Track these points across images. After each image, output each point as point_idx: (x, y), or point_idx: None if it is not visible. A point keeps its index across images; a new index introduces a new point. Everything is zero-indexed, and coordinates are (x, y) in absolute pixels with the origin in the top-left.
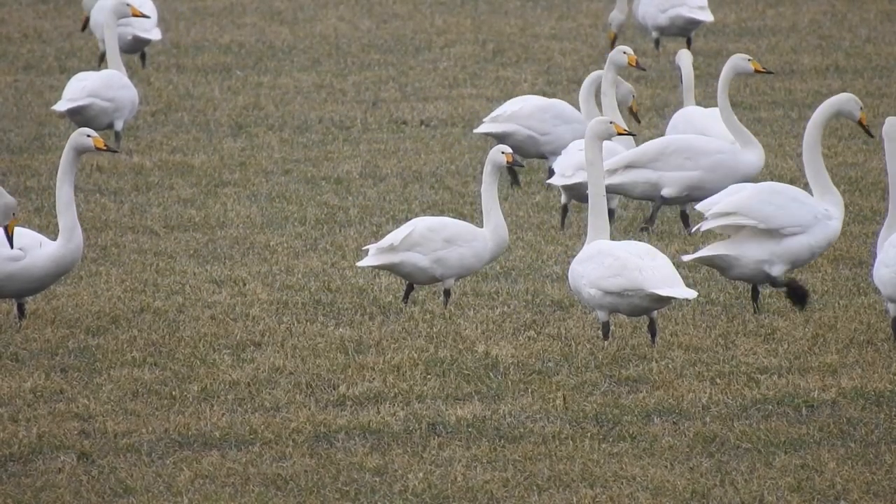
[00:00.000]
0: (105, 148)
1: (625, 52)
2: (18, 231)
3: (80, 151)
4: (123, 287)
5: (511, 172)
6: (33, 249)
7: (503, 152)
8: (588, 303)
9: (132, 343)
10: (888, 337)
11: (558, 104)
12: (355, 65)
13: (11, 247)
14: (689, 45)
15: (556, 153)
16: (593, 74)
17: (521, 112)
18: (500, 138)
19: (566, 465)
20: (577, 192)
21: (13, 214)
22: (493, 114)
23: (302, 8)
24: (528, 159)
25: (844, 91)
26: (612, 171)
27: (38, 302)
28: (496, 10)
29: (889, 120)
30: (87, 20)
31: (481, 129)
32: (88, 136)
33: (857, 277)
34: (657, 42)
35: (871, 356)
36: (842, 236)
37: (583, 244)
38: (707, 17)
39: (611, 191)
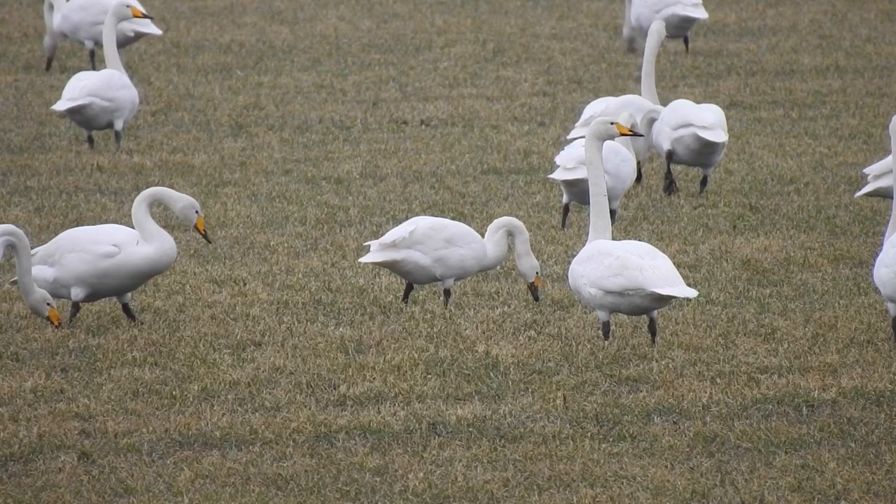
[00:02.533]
0: (204, 234)
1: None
2: (115, 227)
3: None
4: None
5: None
6: (128, 246)
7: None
8: (589, 303)
9: (132, 343)
10: (888, 337)
11: (635, 97)
12: (355, 65)
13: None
14: (686, 45)
15: (637, 144)
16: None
17: (606, 112)
18: None
19: (566, 465)
20: (579, 189)
21: (196, 212)
22: (584, 118)
23: (302, 8)
24: None
25: (845, 91)
26: (878, 176)
27: None
28: (496, 10)
29: None
30: (49, 61)
31: (574, 133)
32: (197, 211)
33: (858, 277)
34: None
35: (871, 356)
36: (842, 236)
37: (584, 244)
38: (702, 14)
39: (874, 195)
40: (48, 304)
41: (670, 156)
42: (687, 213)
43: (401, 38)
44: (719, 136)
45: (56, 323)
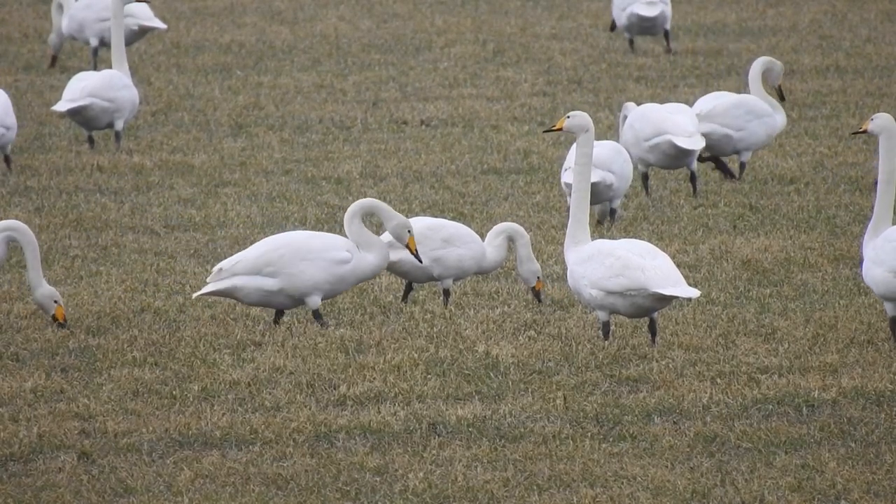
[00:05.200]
0: (415, 254)
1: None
2: (329, 234)
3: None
4: (124, 287)
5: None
6: (355, 252)
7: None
8: (589, 303)
9: (133, 343)
10: (888, 337)
11: (750, 99)
12: (355, 65)
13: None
14: (667, 41)
15: (749, 149)
16: (761, 60)
17: (716, 111)
18: None
19: (566, 465)
20: (594, 189)
21: (409, 232)
22: (695, 110)
23: (302, 8)
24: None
25: (845, 91)
26: None
27: None
28: (496, 10)
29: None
30: (54, 58)
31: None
32: (409, 231)
33: (858, 277)
34: (631, 42)
35: (871, 356)
36: (842, 236)
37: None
38: (653, 12)
39: None
40: (55, 301)
41: (646, 178)
42: (687, 213)
43: (401, 38)
44: (697, 142)
45: (62, 321)
